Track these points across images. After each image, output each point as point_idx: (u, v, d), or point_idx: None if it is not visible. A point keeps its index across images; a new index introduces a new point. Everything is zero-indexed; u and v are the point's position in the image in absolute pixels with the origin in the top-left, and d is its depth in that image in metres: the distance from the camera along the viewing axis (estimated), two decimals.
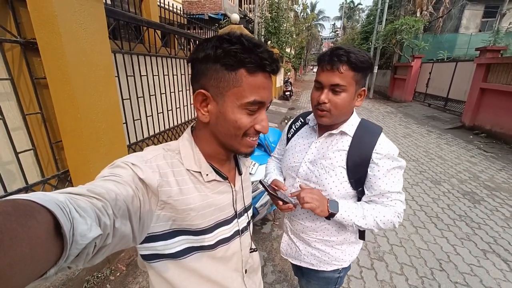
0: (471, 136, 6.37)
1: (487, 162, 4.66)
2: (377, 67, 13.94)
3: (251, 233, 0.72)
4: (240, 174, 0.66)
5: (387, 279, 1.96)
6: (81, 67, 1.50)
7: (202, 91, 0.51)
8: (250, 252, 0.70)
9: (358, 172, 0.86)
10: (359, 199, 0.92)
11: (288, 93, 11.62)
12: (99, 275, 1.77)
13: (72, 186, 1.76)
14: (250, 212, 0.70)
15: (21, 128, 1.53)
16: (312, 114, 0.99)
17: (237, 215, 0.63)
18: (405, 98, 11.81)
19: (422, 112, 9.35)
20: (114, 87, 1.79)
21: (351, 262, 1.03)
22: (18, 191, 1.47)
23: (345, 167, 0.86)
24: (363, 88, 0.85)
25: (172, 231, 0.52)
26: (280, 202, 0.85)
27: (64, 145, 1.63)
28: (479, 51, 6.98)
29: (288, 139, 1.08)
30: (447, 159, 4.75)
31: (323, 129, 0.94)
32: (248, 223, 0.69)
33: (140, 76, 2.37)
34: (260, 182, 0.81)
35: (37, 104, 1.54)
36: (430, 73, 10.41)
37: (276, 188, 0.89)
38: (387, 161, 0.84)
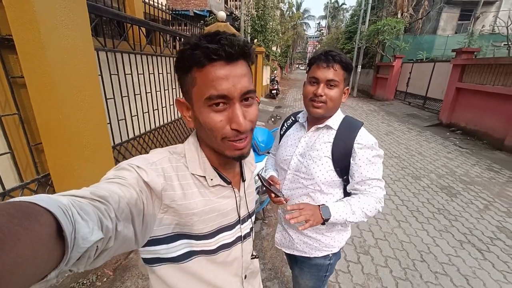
0: (448, 133, 6.72)
1: (462, 157, 4.94)
2: (360, 66, 14.31)
3: (253, 239, 0.71)
4: (243, 181, 0.64)
5: (373, 271, 2.04)
6: (63, 66, 1.43)
7: (179, 99, 0.53)
8: (251, 258, 0.69)
9: (342, 161, 0.96)
10: (344, 187, 1.02)
11: (275, 91, 11.68)
12: (85, 282, 1.71)
13: (54, 190, 1.69)
14: (253, 218, 0.70)
15: None
16: (302, 112, 1.10)
17: (240, 221, 0.62)
18: (387, 96, 12.23)
19: (403, 110, 9.73)
20: (97, 86, 1.72)
21: (340, 248, 1.10)
22: None
23: (331, 157, 0.96)
24: (347, 87, 0.98)
25: (174, 234, 0.52)
26: (273, 195, 0.93)
27: (45, 148, 1.55)
28: (455, 52, 7.36)
29: (281, 136, 1.17)
30: (426, 155, 4.99)
31: (311, 124, 1.04)
32: (251, 229, 0.68)
33: (125, 74, 2.30)
34: (258, 176, 0.86)
35: (13, 104, 1.46)
36: (410, 72, 10.83)
37: (271, 182, 0.98)
38: (367, 150, 0.94)
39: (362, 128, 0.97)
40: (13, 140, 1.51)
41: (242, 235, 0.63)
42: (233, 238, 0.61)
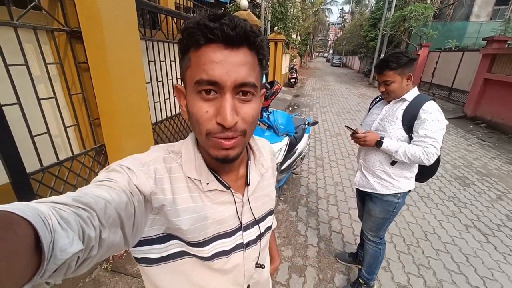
0: (471, 126, 6.54)
1: (483, 150, 4.86)
2: (383, 55, 13.79)
3: (262, 247, 0.63)
4: (247, 184, 0.58)
5: None
6: (117, 54, 1.72)
7: (177, 85, 0.49)
8: (257, 267, 0.63)
9: (408, 121, 1.34)
10: (409, 142, 1.37)
11: (293, 80, 11.67)
12: None
13: (107, 158, 2.03)
14: (263, 225, 0.62)
15: (64, 107, 1.78)
16: None
17: (242, 228, 0.57)
18: None
19: None
20: (142, 72, 2.01)
21: (405, 191, 1.47)
22: (66, 159, 1.74)
23: (401, 118, 1.37)
24: (409, 73, 1.35)
25: (166, 234, 0.50)
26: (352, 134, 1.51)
27: (102, 123, 1.87)
28: (486, 41, 6.99)
29: (369, 109, 1.67)
30: (444, 147, 4.95)
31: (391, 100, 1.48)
32: (259, 237, 0.61)
33: (160, 61, 2.58)
34: (346, 126, 1.51)
35: (79, 85, 1.78)
36: (436, 62, 10.37)
37: (354, 130, 1.51)
38: (429, 115, 1.28)
39: (431, 101, 1.32)
40: (77, 115, 1.84)
41: (244, 243, 0.58)
42: (232, 246, 0.56)
